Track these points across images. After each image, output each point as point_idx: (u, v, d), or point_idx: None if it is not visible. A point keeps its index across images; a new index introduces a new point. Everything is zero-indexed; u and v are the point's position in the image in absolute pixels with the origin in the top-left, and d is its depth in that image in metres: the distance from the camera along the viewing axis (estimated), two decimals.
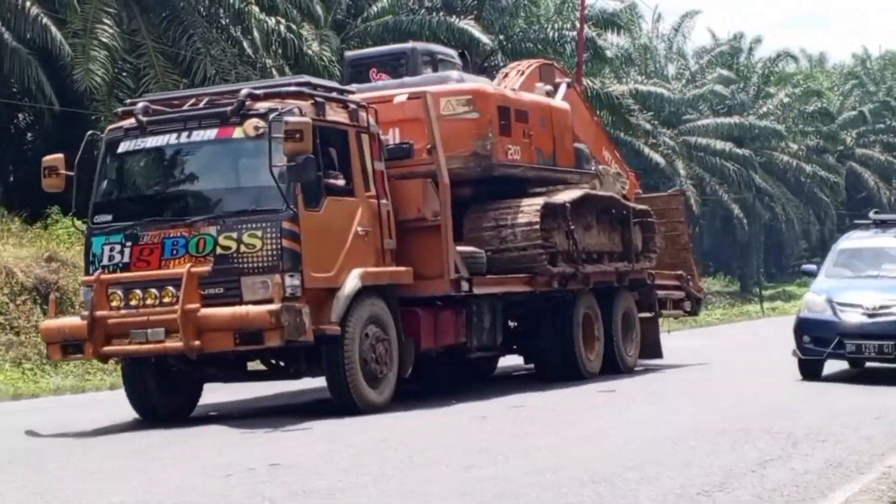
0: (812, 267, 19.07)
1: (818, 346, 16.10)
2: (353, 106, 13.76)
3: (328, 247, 13.02)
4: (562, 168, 17.36)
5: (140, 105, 13.48)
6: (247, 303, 12.41)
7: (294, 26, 29.54)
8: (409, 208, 14.45)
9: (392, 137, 14.96)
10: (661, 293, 19.92)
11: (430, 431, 11.89)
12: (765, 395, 14.91)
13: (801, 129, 63.28)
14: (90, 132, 14.67)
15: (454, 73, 16.28)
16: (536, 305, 16.88)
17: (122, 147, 13.35)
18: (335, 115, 13.48)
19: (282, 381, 15.25)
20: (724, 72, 58.32)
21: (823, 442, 10.35)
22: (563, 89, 19.28)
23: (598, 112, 43.51)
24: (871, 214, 18.79)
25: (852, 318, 15.98)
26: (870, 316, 15.91)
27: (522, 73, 18.72)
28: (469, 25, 35.09)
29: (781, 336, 17.65)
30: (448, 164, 15.22)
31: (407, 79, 16.05)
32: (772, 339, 22.24)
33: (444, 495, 8.17)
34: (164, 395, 13.77)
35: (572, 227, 16.56)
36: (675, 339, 23.46)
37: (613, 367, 18.04)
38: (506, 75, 18.95)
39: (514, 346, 17.78)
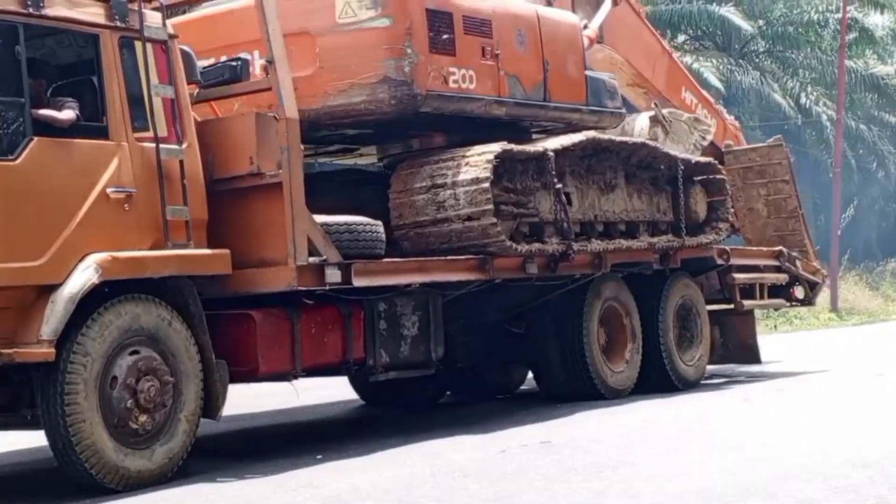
0: None
1: None
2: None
3: (32, 219, 8.10)
4: (559, 104, 12.17)
5: None
6: None
7: None
8: (236, 159, 9.44)
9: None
10: (742, 277, 14.47)
11: None
12: None
13: None
14: None
15: None
16: (538, 300, 12.26)
17: None
18: (70, 10, 8.55)
19: None
20: None
21: None
22: (607, 3, 14.17)
23: (862, 93, 39.13)
24: None
25: None
26: None
27: None
28: (729, 13, 35.20)
29: None
30: (350, 96, 10.61)
31: None
32: None
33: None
34: None
35: (559, 185, 11.45)
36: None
37: (661, 382, 13.00)
38: None
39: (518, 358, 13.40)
